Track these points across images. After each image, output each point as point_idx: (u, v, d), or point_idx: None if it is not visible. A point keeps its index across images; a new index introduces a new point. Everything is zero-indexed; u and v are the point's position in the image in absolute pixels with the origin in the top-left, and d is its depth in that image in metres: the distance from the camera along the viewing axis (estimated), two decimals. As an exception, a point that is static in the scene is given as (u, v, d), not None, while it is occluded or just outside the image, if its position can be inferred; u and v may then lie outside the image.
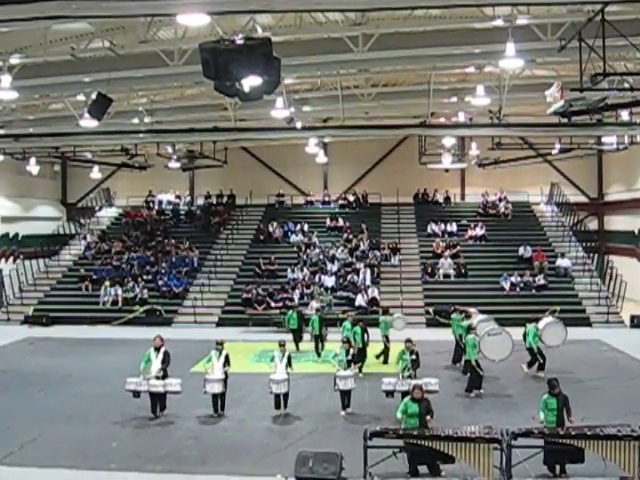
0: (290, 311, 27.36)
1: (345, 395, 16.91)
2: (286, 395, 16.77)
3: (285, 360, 16.92)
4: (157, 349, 16.84)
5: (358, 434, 12.42)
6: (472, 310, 23.63)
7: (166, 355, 16.81)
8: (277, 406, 16.71)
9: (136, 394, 16.44)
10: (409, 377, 16.43)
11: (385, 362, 22.61)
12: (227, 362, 16.88)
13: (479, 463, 11.82)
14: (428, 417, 12.89)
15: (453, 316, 23.52)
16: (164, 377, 16.64)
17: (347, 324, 22.55)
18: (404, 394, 15.39)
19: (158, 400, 16.59)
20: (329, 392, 17.89)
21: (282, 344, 17.30)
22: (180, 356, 22.63)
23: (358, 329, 21.66)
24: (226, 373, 16.79)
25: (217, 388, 16.58)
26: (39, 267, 38.93)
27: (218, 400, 16.77)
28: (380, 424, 13.84)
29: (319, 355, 24.42)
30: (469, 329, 19.65)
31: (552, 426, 12.72)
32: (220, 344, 17.11)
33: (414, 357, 16.88)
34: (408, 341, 17.30)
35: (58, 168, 48.14)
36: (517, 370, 21.03)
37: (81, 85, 23.55)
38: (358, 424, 15.18)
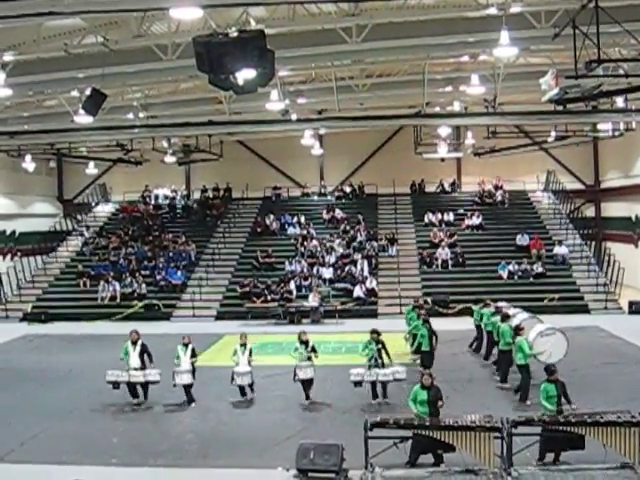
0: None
1: (306, 385, 17.20)
2: (251, 385, 17.60)
3: (247, 352, 17.54)
4: (134, 343, 17.58)
5: (358, 425, 12.42)
6: (503, 304, 22.88)
7: (144, 347, 17.58)
8: (242, 394, 17.50)
9: (115, 385, 17.28)
10: (376, 367, 16.87)
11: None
12: (194, 355, 17.64)
13: (480, 452, 11.83)
14: (440, 403, 12.95)
15: (476, 309, 23.38)
16: (142, 368, 17.36)
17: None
18: (373, 383, 16.78)
19: (139, 389, 17.44)
20: (329, 383, 18.03)
21: (243, 336, 17.88)
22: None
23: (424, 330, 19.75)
24: (193, 365, 17.46)
25: (186, 379, 17.20)
26: (37, 264, 38.92)
27: (189, 390, 17.36)
28: (380, 414, 13.84)
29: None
30: (516, 330, 17.64)
31: (553, 414, 12.75)
32: (186, 339, 17.79)
33: (380, 346, 17.16)
34: (374, 332, 17.50)
35: (54, 165, 47.98)
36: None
37: (75, 81, 23.47)
38: (358, 415, 15.18)
